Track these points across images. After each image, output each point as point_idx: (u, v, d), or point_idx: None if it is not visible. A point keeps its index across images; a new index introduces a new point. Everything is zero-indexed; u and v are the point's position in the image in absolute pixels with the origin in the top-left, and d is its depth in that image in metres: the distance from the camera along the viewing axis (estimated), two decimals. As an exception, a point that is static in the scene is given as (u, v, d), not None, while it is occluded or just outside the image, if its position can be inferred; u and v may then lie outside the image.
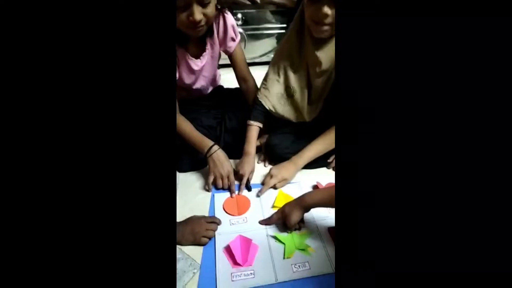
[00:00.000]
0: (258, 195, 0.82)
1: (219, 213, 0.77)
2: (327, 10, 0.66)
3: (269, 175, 0.83)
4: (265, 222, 0.73)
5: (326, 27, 0.70)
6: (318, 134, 0.87)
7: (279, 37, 1.62)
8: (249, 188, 0.84)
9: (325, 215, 0.75)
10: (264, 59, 1.65)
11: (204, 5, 0.69)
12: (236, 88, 1.07)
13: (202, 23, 0.72)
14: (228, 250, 0.66)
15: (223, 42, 0.89)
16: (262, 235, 0.70)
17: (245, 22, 1.54)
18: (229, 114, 0.99)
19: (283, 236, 0.69)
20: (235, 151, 0.92)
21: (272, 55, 1.62)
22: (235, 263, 0.63)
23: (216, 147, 0.83)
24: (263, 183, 0.84)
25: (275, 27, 1.60)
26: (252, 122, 0.89)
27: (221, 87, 1.11)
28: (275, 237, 0.69)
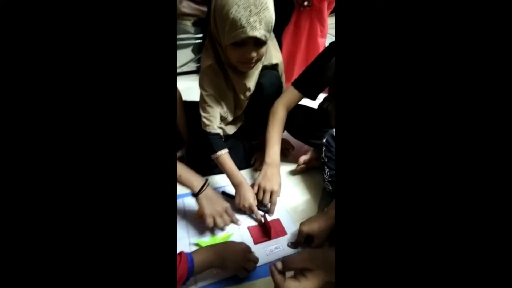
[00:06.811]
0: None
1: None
2: (253, 53, 0.71)
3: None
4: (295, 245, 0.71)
5: (252, 64, 0.75)
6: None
7: (196, 47, 1.64)
8: (267, 211, 0.79)
9: (246, 216, 0.79)
10: (185, 69, 1.66)
11: None
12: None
13: None
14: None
15: None
16: (184, 244, 0.71)
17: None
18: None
19: (205, 241, 0.71)
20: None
21: (191, 65, 1.65)
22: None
23: (207, 185, 0.74)
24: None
25: (191, 37, 1.61)
26: (218, 153, 0.80)
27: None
28: (197, 244, 0.70)
